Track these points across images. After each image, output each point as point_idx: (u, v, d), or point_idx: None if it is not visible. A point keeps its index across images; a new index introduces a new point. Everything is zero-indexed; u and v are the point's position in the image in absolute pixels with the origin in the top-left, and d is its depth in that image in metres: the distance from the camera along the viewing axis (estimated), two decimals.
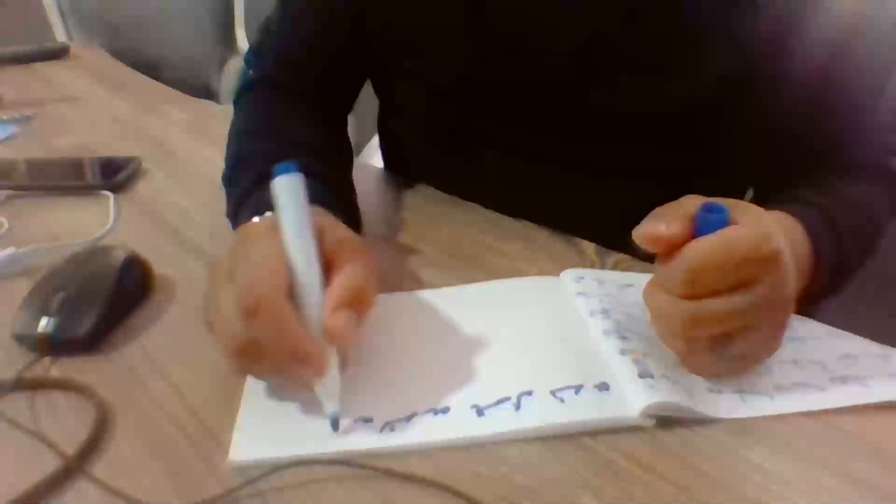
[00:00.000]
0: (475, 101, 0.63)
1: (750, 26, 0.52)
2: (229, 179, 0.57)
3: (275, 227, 0.39)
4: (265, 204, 0.41)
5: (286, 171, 0.39)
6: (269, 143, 0.59)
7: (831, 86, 0.53)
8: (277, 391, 0.40)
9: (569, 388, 0.39)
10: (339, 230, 0.42)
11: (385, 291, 0.50)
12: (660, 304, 0.38)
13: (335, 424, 0.37)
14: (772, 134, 0.58)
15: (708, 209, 0.37)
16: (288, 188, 0.39)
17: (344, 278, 0.38)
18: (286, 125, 0.62)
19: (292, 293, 0.38)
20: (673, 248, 0.37)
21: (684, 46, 0.54)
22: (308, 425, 0.37)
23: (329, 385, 0.37)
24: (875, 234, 0.55)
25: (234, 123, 0.64)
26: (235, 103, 0.67)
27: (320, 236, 0.40)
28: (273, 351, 0.36)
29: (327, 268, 0.39)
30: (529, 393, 0.39)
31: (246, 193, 0.52)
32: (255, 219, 0.43)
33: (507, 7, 0.57)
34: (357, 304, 0.38)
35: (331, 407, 0.37)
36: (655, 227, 0.37)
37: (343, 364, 0.38)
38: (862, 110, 0.55)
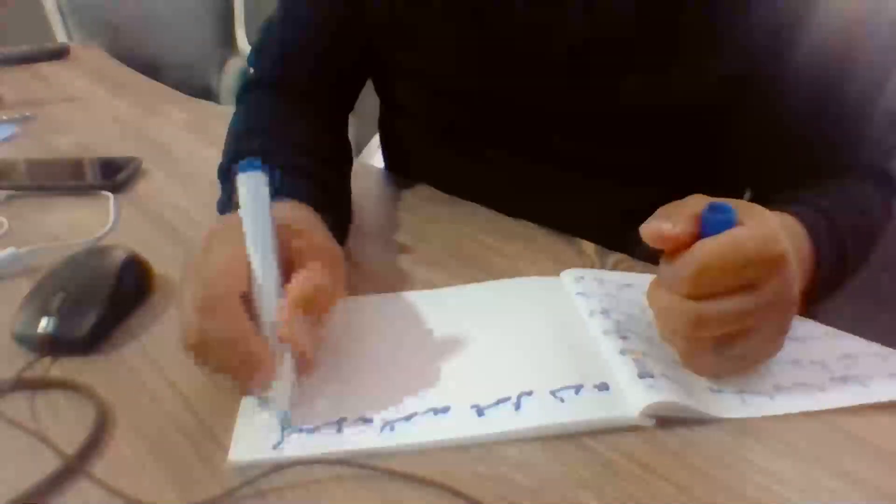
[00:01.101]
0: (475, 102, 0.63)
1: (751, 26, 0.52)
2: (226, 175, 0.57)
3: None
4: None
5: (249, 167, 0.38)
6: (267, 142, 0.59)
7: (831, 86, 0.53)
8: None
9: (569, 388, 0.39)
10: (313, 232, 0.42)
11: (385, 291, 0.50)
12: (664, 304, 0.38)
13: (285, 425, 0.36)
14: (772, 134, 0.58)
15: (714, 209, 0.37)
16: (248, 185, 0.38)
17: (300, 281, 0.38)
18: (285, 125, 0.62)
19: (251, 293, 0.38)
20: (679, 246, 0.36)
21: (685, 46, 0.54)
22: None
23: (279, 387, 0.37)
24: (875, 234, 0.55)
25: (233, 122, 0.64)
26: (237, 103, 0.67)
27: (289, 238, 0.40)
28: (222, 350, 0.36)
29: (292, 269, 0.39)
30: (529, 393, 0.39)
31: None
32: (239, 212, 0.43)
33: (506, 7, 0.57)
34: (314, 307, 0.38)
35: (279, 408, 0.37)
36: (662, 225, 0.37)
37: (304, 366, 0.38)
38: (862, 111, 0.55)
